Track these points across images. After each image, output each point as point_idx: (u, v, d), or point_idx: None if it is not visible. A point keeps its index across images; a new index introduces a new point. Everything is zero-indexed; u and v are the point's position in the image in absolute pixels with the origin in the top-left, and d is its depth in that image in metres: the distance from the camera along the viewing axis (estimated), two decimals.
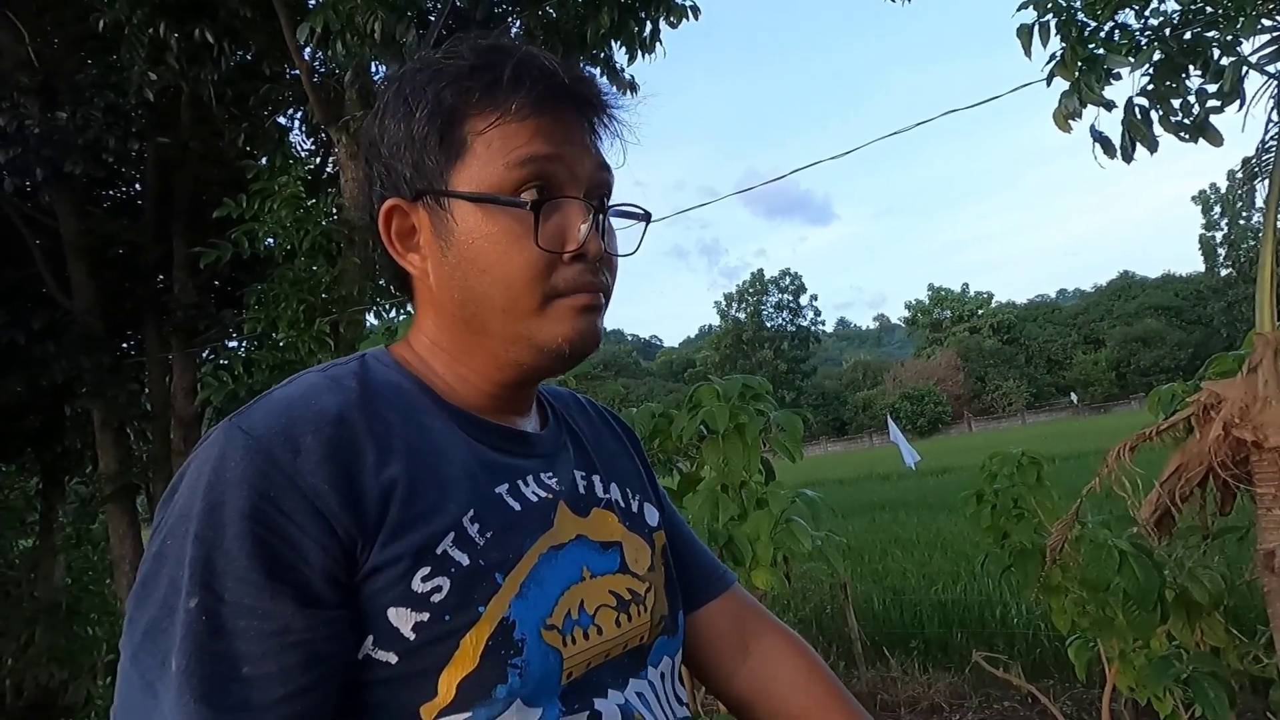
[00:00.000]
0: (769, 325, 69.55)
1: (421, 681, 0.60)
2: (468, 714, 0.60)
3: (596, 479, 0.79)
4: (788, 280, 71.41)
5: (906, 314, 75.66)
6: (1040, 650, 4.76)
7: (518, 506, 0.68)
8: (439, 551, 0.62)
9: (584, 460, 0.80)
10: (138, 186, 6.92)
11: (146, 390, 6.74)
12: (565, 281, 0.68)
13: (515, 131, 0.66)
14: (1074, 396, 53.63)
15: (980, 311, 67.61)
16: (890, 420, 19.37)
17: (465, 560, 0.62)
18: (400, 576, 0.60)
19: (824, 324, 77.46)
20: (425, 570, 0.61)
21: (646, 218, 0.76)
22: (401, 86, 0.70)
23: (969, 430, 52.31)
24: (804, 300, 70.88)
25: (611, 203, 0.73)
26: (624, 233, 0.76)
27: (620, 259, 0.74)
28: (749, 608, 0.92)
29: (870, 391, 61.86)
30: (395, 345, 0.76)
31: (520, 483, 0.70)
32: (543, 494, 0.71)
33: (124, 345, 7.13)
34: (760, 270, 74.00)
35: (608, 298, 0.72)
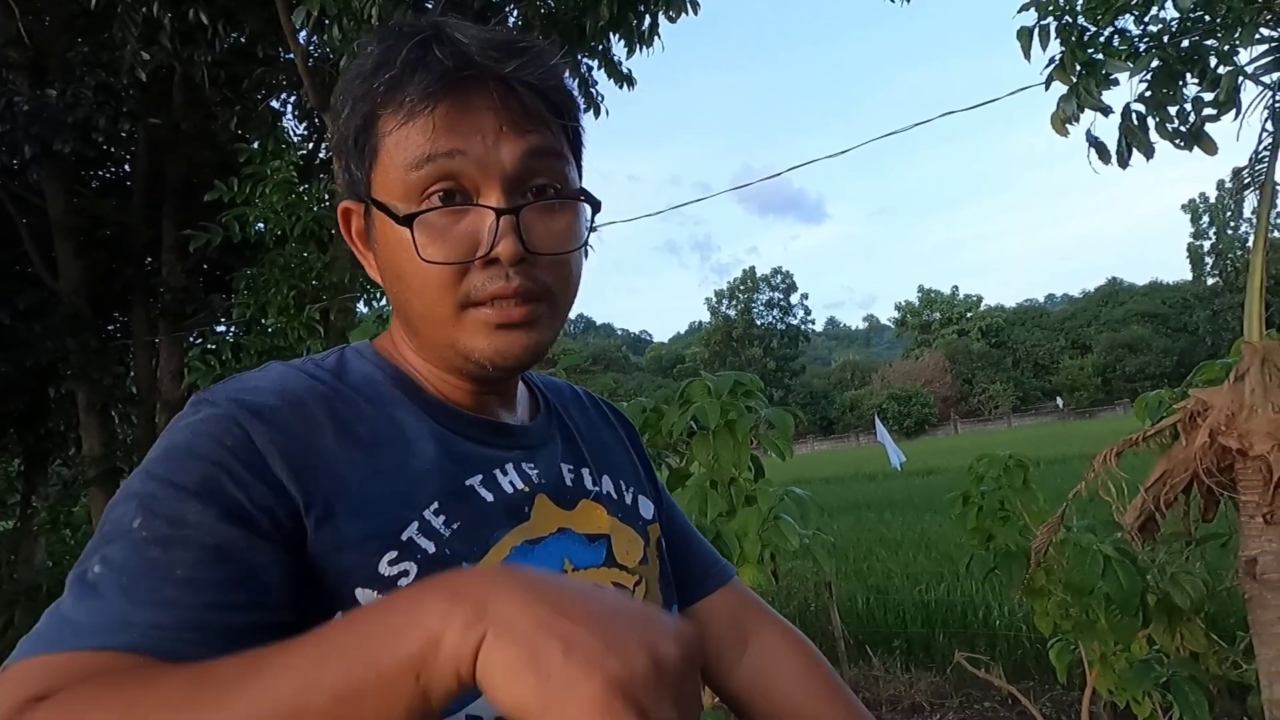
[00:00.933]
0: (759, 323, 69.71)
1: None
2: None
3: (586, 472, 0.77)
4: (779, 278, 71.60)
5: (896, 315, 76.00)
6: (1021, 652, 4.79)
7: (490, 498, 0.67)
8: (404, 538, 0.61)
9: (573, 453, 0.78)
10: (128, 167, 6.86)
11: (132, 373, 6.69)
12: (477, 288, 0.63)
13: (414, 129, 0.62)
14: (1060, 401, 54.05)
15: (969, 314, 67.98)
16: (877, 420, 19.46)
17: (431, 548, 0.62)
18: (366, 558, 0.59)
19: (814, 323, 77.75)
20: (393, 554, 0.60)
21: (594, 205, 0.69)
22: (339, 89, 0.70)
23: (955, 432, 52.61)
24: (794, 299, 71.12)
25: (547, 194, 0.65)
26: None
27: (577, 251, 0.68)
28: (748, 602, 0.91)
29: (858, 391, 62.14)
30: (379, 338, 0.75)
31: (497, 472, 0.69)
32: (520, 485, 0.70)
33: (110, 327, 7.08)
34: (752, 268, 73.97)
35: (547, 298, 0.66)
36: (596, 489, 0.77)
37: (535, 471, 0.72)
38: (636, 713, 0.39)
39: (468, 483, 0.67)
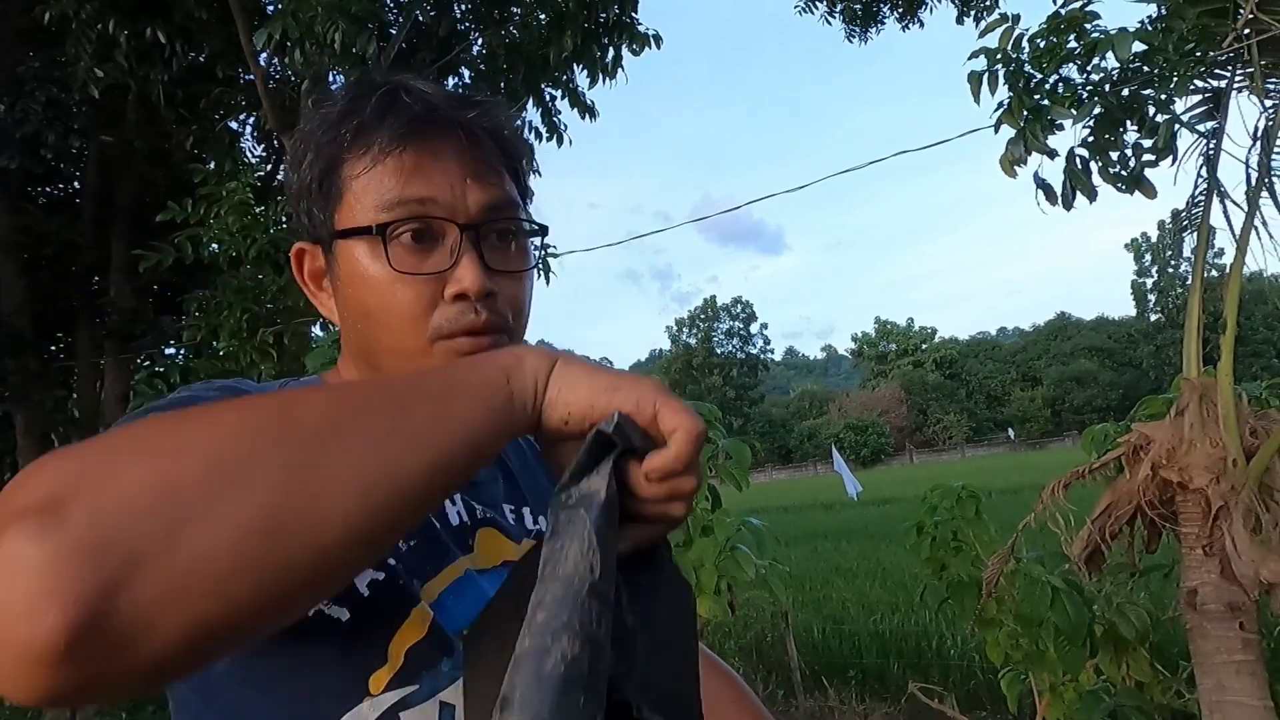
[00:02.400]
0: (719, 352, 70.16)
1: (371, 646, 0.59)
2: (415, 686, 0.60)
3: (526, 511, 0.79)
4: (739, 308, 72.28)
5: (853, 346, 77.13)
6: (974, 682, 4.84)
7: (438, 525, 0.68)
8: None
9: (512, 493, 0.79)
10: (77, 185, 6.70)
11: (75, 396, 6.48)
12: (448, 321, 0.65)
13: (383, 173, 0.64)
14: (1011, 432, 55.19)
15: (924, 346, 69.28)
16: (834, 450, 19.64)
17: (392, 560, 0.62)
18: None
19: (773, 353, 78.47)
20: None
21: (542, 231, 0.73)
22: (299, 137, 0.70)
23: (911, 462, 53.33)
24: (754, 328, 71.79)
25: (503, 226, 0.68)
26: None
27: (532, 285, 0.72)
28: None
29: (816, 421, 62.73)
30: (327, 374, 0.76)
31: (447, 503, 0.70)
32: (465, 518, 0.71)
33: (53, 348, 6.86)
34: (712, 297, 74.73)
35: (508, 332, 0.68)
36: (536, 527, 0.78)
37: (480, 508, 0.73)
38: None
39: None
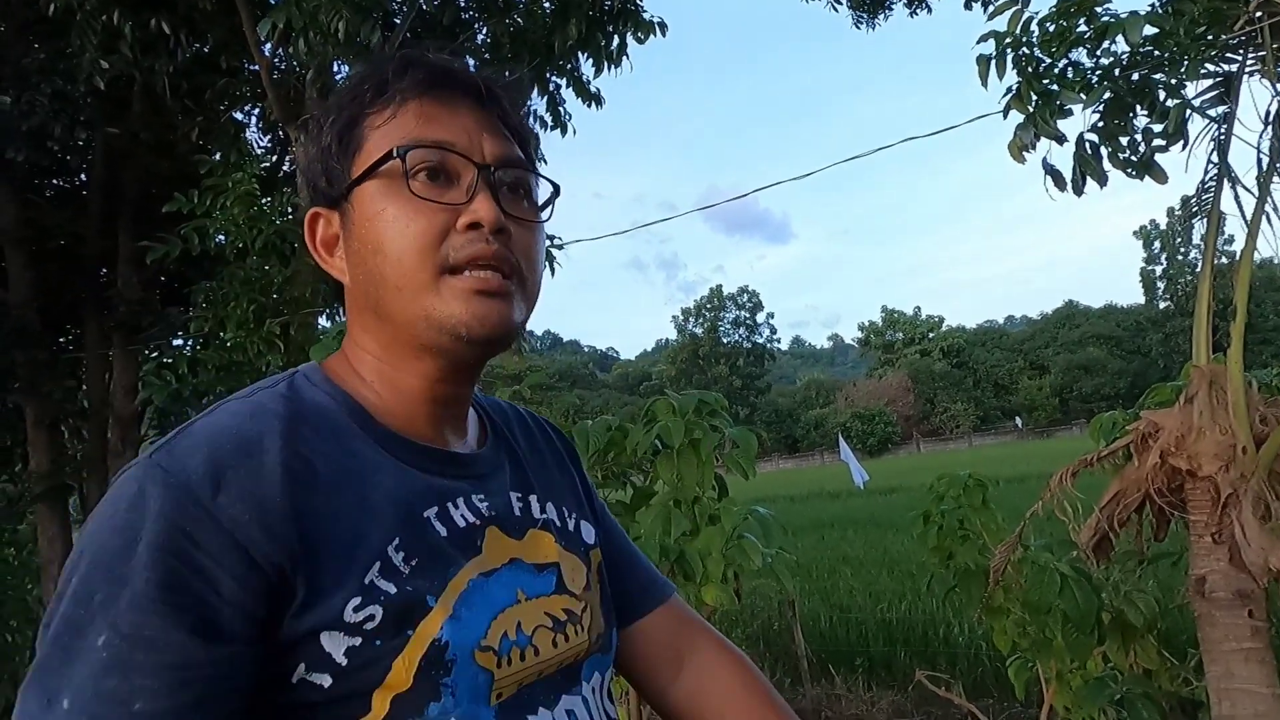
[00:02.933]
0: (725, 341, 70.10)
1: (355, 701, 0.61)
2: None
3: (533, 499, 0.79)
4: (745, 297, 72.18)
5: (860, 335, 76.94)
6: (981, 669, 4.85)
7: (444, 532, 0.68)
8: (366, 582, 0.62)
9: (520, 480, 0.79)
10: (84, 177, 6.70)
11: (84, 387, 6.50)
12: (456, 250, 0.66)
13: (403, 118, 0.68)
14: (1019, 420, 55.05)
15: (931, 335, 69.06)
16: (841, 439, 19.63)
17: (392, 589, 0.62)
18: (332, 607, 0.60)
19: (779, 342, 78.43)
20: (356, 600, 0.61)
21: (554, 190, 0.75)
22: (318, 111, 0.73)
23: (918, 451, 53.27)
24: (760, 317, 71.69)
25: (515, 179, 0.71)
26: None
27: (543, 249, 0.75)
28: (687, 620, 0.92)
29: (823, 410, 62.67)
30: (330, 359, 0.75)
31: (450, 505, 0.70)
32: (471, 519, 0.71)
33: (61, 340, 6.88)
34: (719, 286, 74.77)
35: (519, 278, 0.69)
36: (544, 516, 0.78)
37: (485, 504, 0.73)
38: None
39: (424, 515, 0.68)
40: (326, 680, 0.59)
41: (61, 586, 0.58)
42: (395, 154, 0.66)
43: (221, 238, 4.79)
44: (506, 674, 0.66)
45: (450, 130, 0.68)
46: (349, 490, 0.64)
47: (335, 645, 0.60)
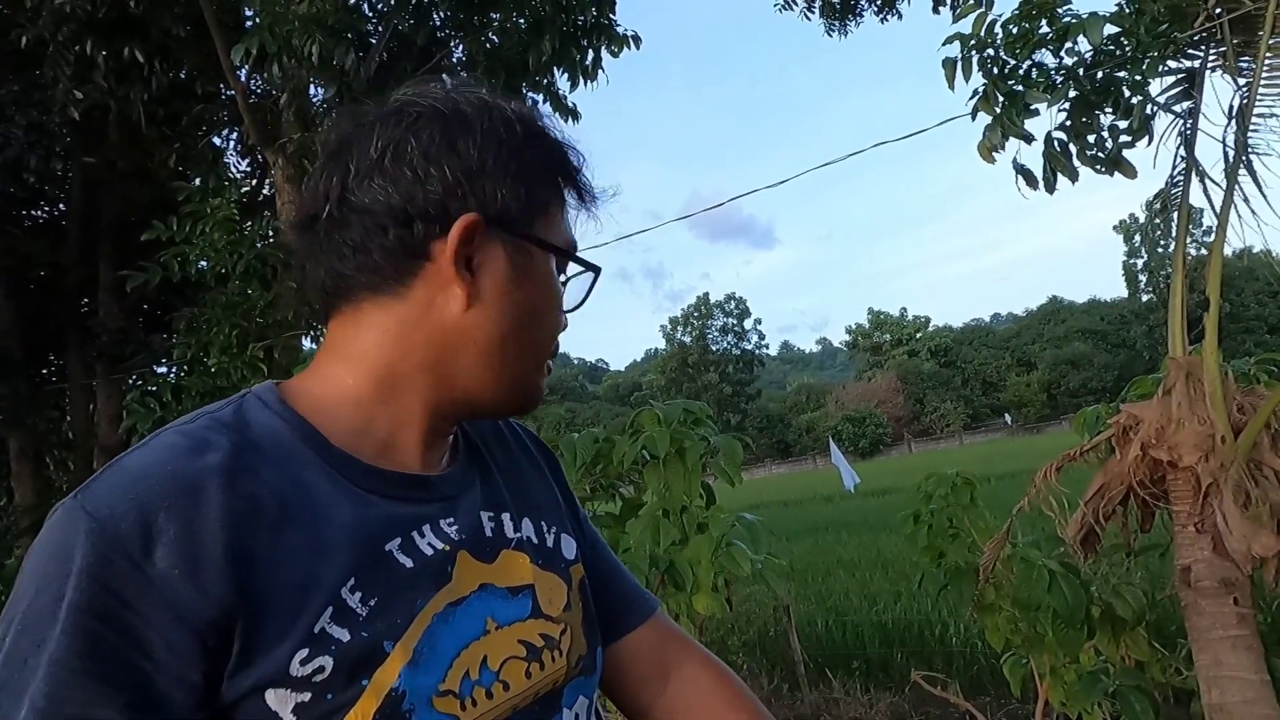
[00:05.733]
0: (714, 349, 70.18)
1: None
2: None
3: (506, 517, 0.75)
4: (732, 304, 72.31)
5: (848, 337, 77.24)
6: (977, 667, 4.85)
7: (409, 563, 0.64)
8: (316, 630, 0.57)
9: (492, 497, 0.75)
10: (62, 207, 6.67)
11: (68, 418, 6.46)
12: (555, 346, 0.74)
13: (570, 220, 0.74)
14: (1008, 417, 55.31)
15: (918, 335, 69.39)
16: (831, 443, 19.66)
17: (346, 636, 0.58)
18: (276, 660, 0.56)
19: (768, 347, 78.60)
20: (304, 653, 0.57)
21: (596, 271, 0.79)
22: (495, 115, 0.69)
23: (909, 451, 53.40)
24: (748, 324, 71.85)
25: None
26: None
27: None
28: (671, 635, 0.90)
29: (813, 414, 62.80)
30: (293, 380, 0.70)
31: (415, 534, 0.66)
32: (440, 545, 0.67)
33: (44, 371, 6.83)
34: (705, 294, 74.82)
35: None
36: (518, 535, 0.74)
37: (454, 528, 0.69)
38: None
39: (386, 548, 0.63)
40: None
41: None
42: (591, 270, 0.75)
43: (202, 264, 4.78)
44: (473, 716, 0.63)
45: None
46: (298, 527, 0.59)
47: (282, 703, 0.56)
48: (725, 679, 0.87)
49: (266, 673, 0.56)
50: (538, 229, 0.69)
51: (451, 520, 0.69)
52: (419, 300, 0.66)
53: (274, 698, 0.56)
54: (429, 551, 0.66)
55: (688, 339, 71.23)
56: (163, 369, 5.90)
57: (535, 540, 0.76)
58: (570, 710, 0.73)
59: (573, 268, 0.75)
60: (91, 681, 0.51)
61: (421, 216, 0.65)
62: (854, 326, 75.48)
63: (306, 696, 0.56)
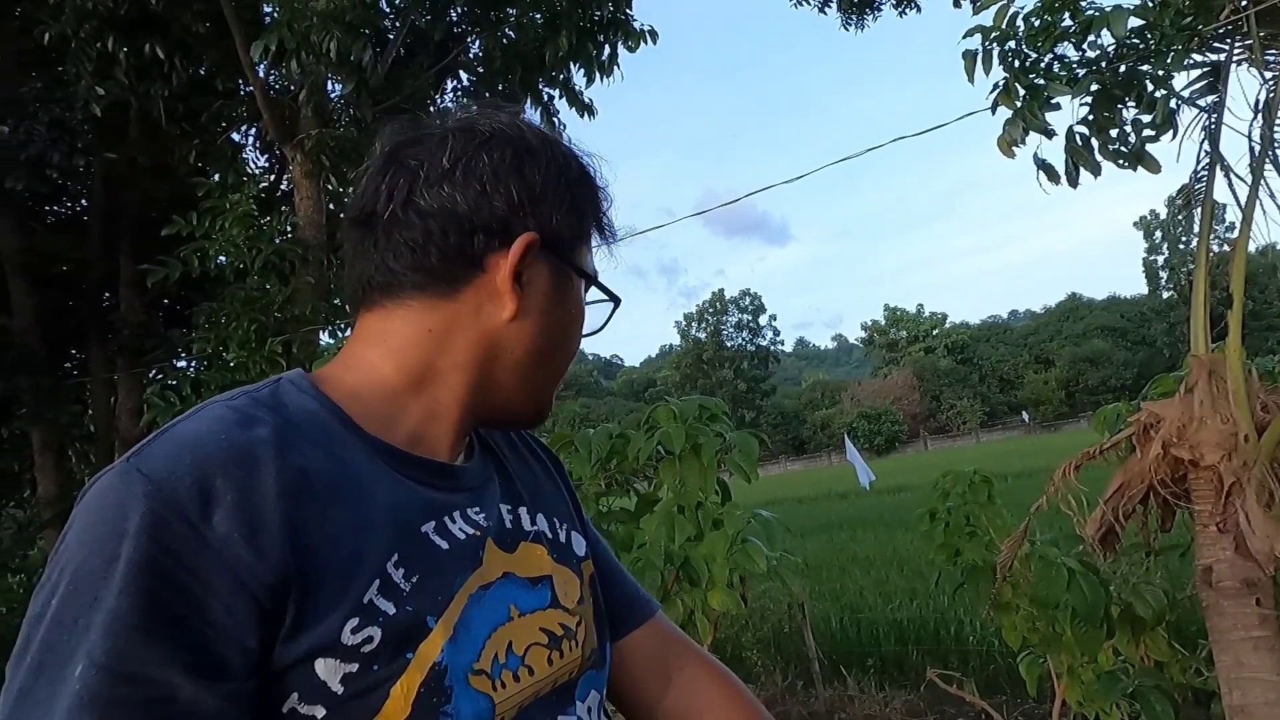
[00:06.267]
0: (729, 345, 70.02)
1: None
2: None
3: (523, 511, 0.77)
4: (747, 300, 72.09)
5: (863, 334, 76.86)
6: (993, 666, 4.82)
7: (445, 545, 0.66)
8: (365, 601, 0.59)
9: (510, 492, 0.78)
10: (84, 203, 6.75)
11: (90, 411, 6.54)
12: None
13: (596, 253, 0.79)
14: (1026, 415, 54.85)
15: (935, 332, 68.94)
16: (847, 440, 19.59)
17: (392, 609, 0.60)
18: (329, 628, 0.57)
19: (783, 344, 78.33)
20: (354, 621, 0.58)
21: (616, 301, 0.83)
22: (555, 149, 0.74)
23: (925, 449, 53.10)
24: (763, 320, 71.61)
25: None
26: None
27: None
28: (672, 636, 0.91)
29: (829, 411, 62.55)
30: (324, 369, 0.72)
31: (448, 519, 0.68)
32: (470, 530, 0.69)
33: (66, 365, 6.92)
34: (720, 290, 74.66)
35: None
36: (535, 528, 0.76)
37: (481, 516, 0.71)
38: None
39: (422, 530, 0.65)
40: (320, 711, 0.56)
41: (38, 608, 0.53)
42: (613, 300, 0.80)
43: (221, 259, 4.83)
44: (505, 697, 0.64)
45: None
46: (345, 503, 0.61)
47: (331, 673, 0.56)
48: (727, 681, 0.89)
49: (319, 641, 0.56)
50: (577, 257, 0.75)
51: (478, 509, 0.71)
52: (468, 306, 0.70)
53: (323, 667, 0.56)
54: (462, 536, 0.68)
55: (702, 335, 71.11)
56: (182, 363, 5.96)
57: (550, 535, 0.78)
58: (583, 703, 0.74)
59: (592, 295, 0.80)
60: (153, 639, 0.51)
61: (484, 229, 0.69)
62: (870, 323, 75.15)
63: (354, 667, 0.57)
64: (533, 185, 0.71)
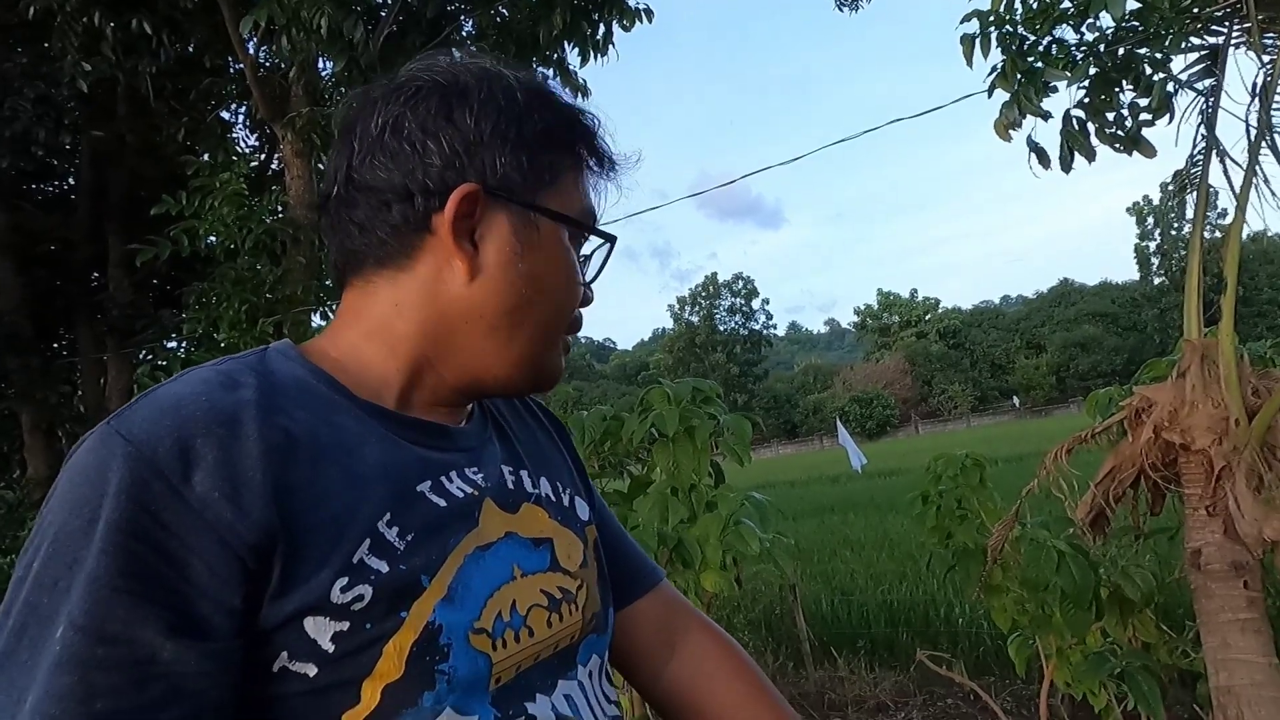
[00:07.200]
0: (722, 329, 70.06)
1: (344, 690, 0.57)
2: None
3: (525, 474, 0.76)
4: (740, 284, 72.06)
5: (856, 319, 76.98)
6: (982, 648, 4.86)
7: (442, 503, 0.65)
8: (355, 560, 0.58)
9: (511, 455, 0.77)
10: (71, 181, 6.67)
11: (79, 392, 6.50)
12: (575, 319, 0.74)
13: (592, 187, 0.73)
14: (1016, 400, 55.18)
15: (927, 317, 69.11)
16: (839, 423, 19.67)
17: (384, 568, 0.59)
18: (317, 587, 0.56)
19: (776, 328, 78.41)
20: (343, 580, 0.57)
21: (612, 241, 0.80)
22: (495, 84, 0.68)
23: (916, 433, 53.39)
24: (756, 304, 71.62)
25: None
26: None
27: None
28: (677, 605, 0.91)
29: (821, 394, 62.75)
30: (309, 343, 0.71)
31: (444, 479, 0.67)
32: (468, 490, 0.68)
33: (55, 345, 6.87)
34: (713, 274, 74.60)
35: None
36: (536, 491, 0.76)
37: (479, 475, 0.70)
38: None
39: (418, 488, 0.64)
40: (311, 670, 0.56)
41: (21, 570, 0.53)
42: (606, 240, 0.74)
43: (211, 239, 4.78)
44: (504, 657, 0.64)
45: (594, 208, 0.74)
46: (333, 462, 0.60)
47: (321, 631, 0.56)
48: (731, 649, 0.89)
49: (308, 599, 0.56)
50: (545, 199, 0.69)
51: (476, 469, 0.70)
52: (425, 274, 0.68)
53: (313, 625, 0.56)
54: (459, 494, 0.67)
55: (695, 319, 71.10)
56: (173, 344, 5.93)
57: (552, 498, 0.78)
58: (585, 668, 0.74)
59: (593, 240, 0.75)
60: (133, 600, 0.50)
61: (421, 191, 0.66)
62: (862, 308, 75.27)
63: (345, 625, 0.56)
64: (466, 131, 0.66)
